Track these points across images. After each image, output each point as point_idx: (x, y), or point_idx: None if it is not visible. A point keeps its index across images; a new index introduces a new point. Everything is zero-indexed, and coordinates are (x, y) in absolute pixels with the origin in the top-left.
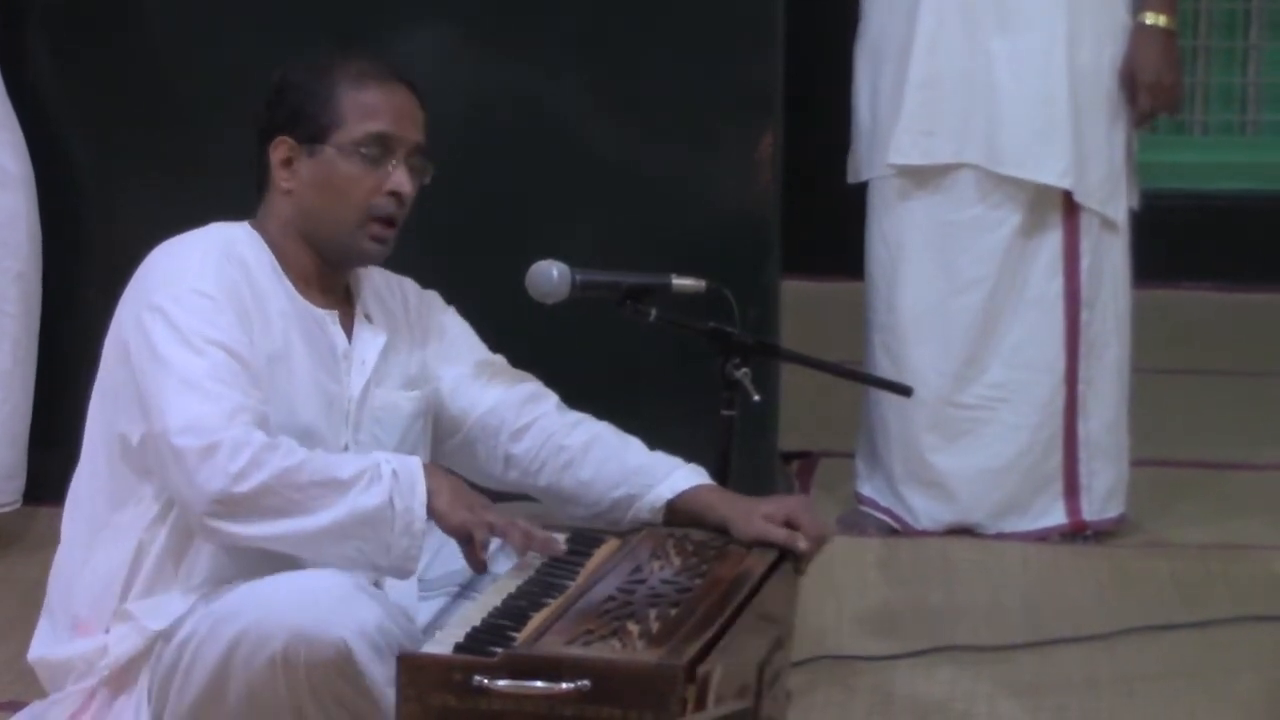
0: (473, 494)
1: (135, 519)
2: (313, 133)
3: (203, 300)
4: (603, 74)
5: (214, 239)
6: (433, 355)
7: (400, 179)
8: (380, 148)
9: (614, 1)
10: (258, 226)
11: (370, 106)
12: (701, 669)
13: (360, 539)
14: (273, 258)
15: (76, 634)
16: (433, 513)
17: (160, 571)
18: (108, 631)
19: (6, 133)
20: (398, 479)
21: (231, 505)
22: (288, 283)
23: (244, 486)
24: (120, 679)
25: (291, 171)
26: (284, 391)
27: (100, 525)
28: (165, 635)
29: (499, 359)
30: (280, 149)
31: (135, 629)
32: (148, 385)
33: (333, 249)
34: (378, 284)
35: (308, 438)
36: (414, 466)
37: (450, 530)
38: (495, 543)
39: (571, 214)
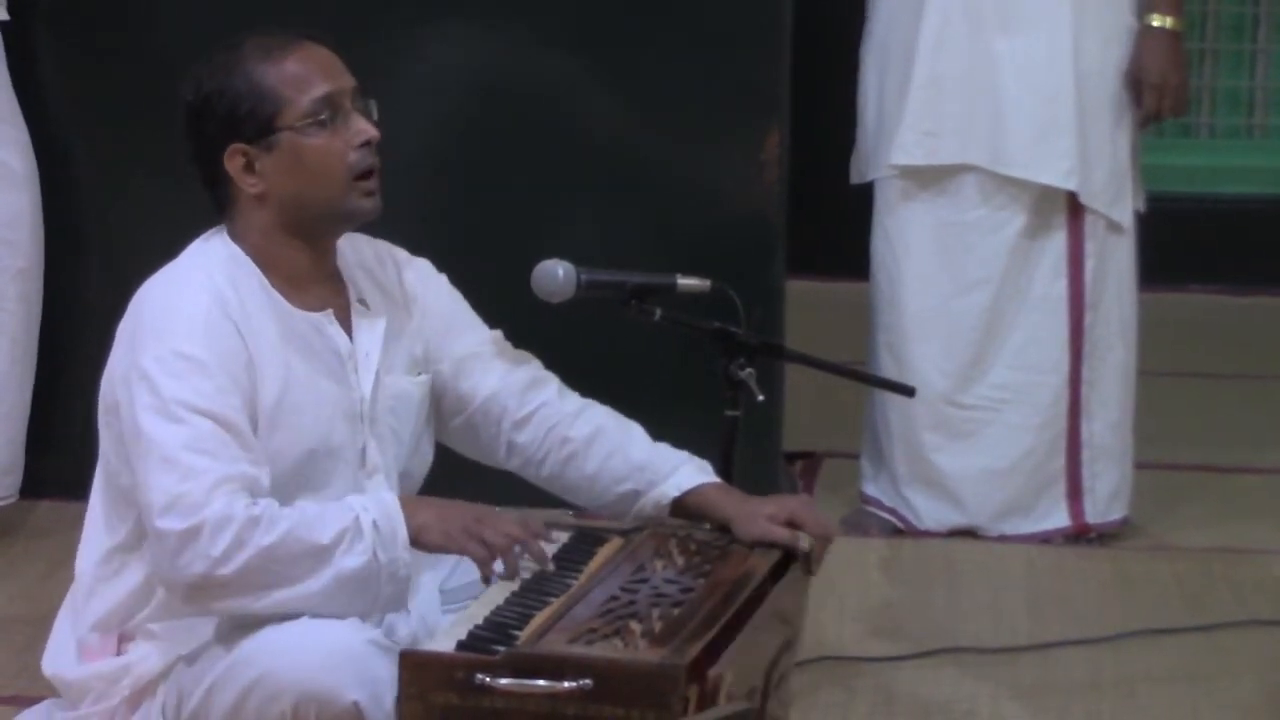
0: (461, 512)
1: (142, 556)
2: (259, 127)
3: (188, 364)
4: (608, 74)
5: (204, 283)
6: (434, 334)
7: (362, 127)
8: (330, 108)
9: (621, 0)
10: (237, 239)
11: (300, 75)
12: (713, 672)
13: (348, 596)
14: (260, 274)
15: (82, 655)
16: (426, 549)
17: (172, 603)
18: (119, 653)
19: (13, 130)
20: (379, 531)
21: (214, 586)
22: (279, 298)
23: (226, 569)
24: (138, 697)
25: (256, 174)
26: (296, 423)
27: (107, 560)
28: (186, 658)
29: (498, 335)
30: (235, 158)
31: (158, 649)
32: (134, 458)
33: (329, 223)
34: (367, 258)
35: (329, 456)
36: (393, 511)
37: (451, 553)
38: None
39: (577, 213)
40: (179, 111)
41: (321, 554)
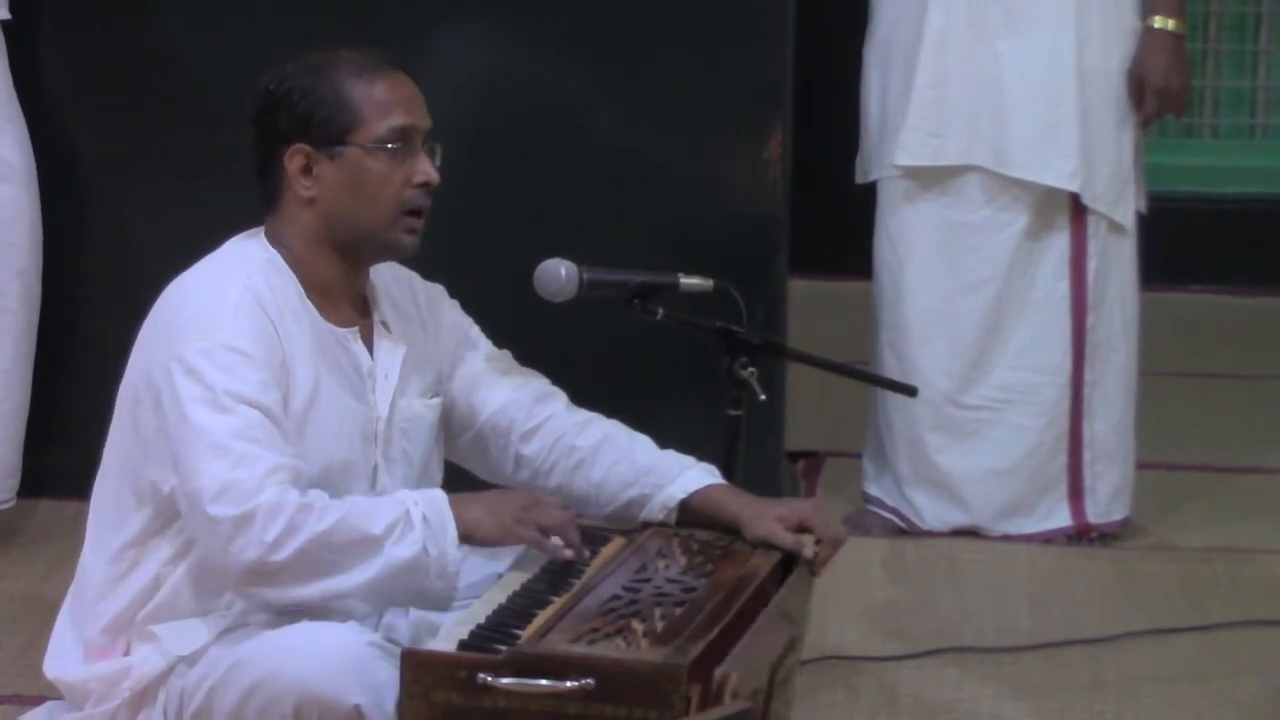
0: (509, 502)
1: (154, 553)
2: (330, 135)
3: (235, 356)
4: (612, 72)
5: (244, 282)
6: (445, 355)
7: (427, 169)
8: (403, 141)
9: (624, 0)
10: (274, 240)
11: (385, 101)
12: (719, 671)
13: (396, 588)
14: (296, 279)
15: (90, 657)
16: (482, 543)
17: (176, 600)
18: (126, 653)
19: (12, 128)
20: (429, 524)
21: (267, 573)
22: (311, 306)
23: (280, 555)
24: (139, 698)
25: (313, 178)
26: (318, 433)
27: (120, 556)
28: (187, 659)
29: (505, 354)
30: (297, 157)
31: (159, 651)
32: (180, 447)
33: (367, 247)
34: (388, 282)
35: (344, 471)
36: (442, 506)
37: (508, 545)
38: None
39: (580, 212)
40: (254, 97)
41: (373, 543)
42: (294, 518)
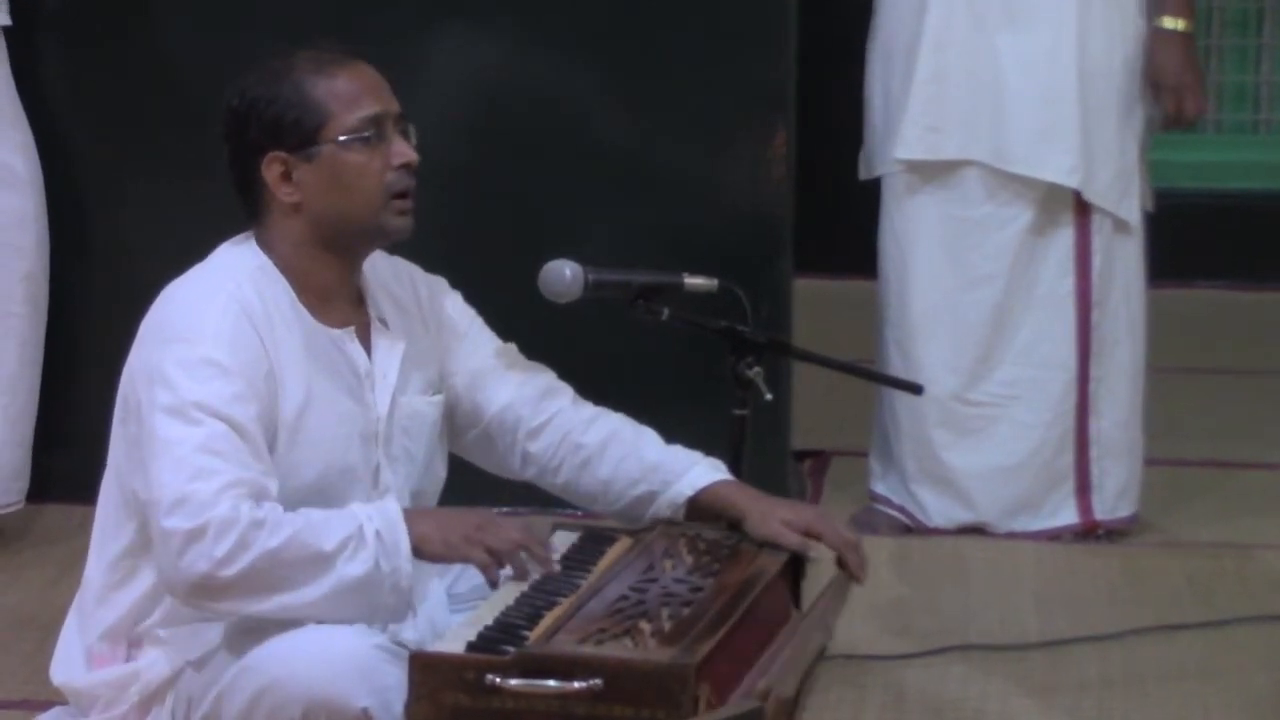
0: (462, 520)
1: (149, 564)
2: (302, 138)
3: (210, 369)
4: (615, 72)
5: (232, 291)
6: (448, 350)
7: (403, 149)
8: (375, 128)
9: (627, 1)
10: (266, 248)
11: (350, 92)
12: (763, 683)
13: (349, 603)
14: (288, 287)
15: (94, 664)
16: (428, 559)
17: (181, 609)
18: (128, 659)
19: (17, 134)
20: (382, 540)
21: (216, 588)
22: (304, 312)
23: (228, 571)
24: (147, 703)
25: (293, 184)
26: (313, 439)
27: (116, 565)
28: (195, 664)
29: (511, 348)
30: (273, 166)
31: (166, 655)
32: (146, 457)
33: (361, 239)
34: (385, 276)
35: (343, 474)
36: (395, 521)
37: (454, 562)
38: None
39: (584, 213)
40: (221, 114)
41: (324, 560)
42: (245, 533)
